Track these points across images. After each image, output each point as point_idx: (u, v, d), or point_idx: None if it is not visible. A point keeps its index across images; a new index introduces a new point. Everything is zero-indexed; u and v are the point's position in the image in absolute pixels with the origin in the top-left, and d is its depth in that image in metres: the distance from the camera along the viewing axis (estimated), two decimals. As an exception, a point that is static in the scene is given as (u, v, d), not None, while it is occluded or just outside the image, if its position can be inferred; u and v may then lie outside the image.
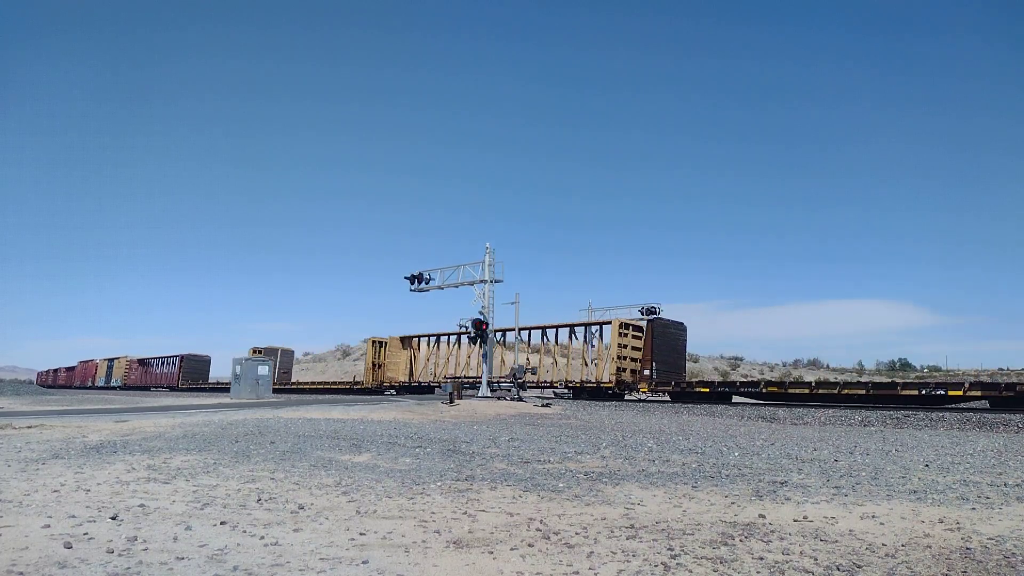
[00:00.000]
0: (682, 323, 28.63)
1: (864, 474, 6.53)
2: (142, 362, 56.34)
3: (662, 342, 26.97)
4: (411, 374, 35.75)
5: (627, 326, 27.38)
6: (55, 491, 4.95)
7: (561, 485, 5.66)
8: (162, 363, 53.94)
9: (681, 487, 5.63)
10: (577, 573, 3.17)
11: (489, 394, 26.03)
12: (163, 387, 52.56)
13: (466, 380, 29.84)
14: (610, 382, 26.19)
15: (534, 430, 11.86)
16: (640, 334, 27.45)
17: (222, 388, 42.33)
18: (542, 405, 21.16)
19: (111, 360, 59.54)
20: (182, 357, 51.01)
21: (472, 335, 26.81)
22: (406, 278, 29.91)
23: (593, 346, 28.27)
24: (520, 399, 23.88)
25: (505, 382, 27.19)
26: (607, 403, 23.86)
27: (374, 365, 36.59)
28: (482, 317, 26.39)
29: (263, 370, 29.55)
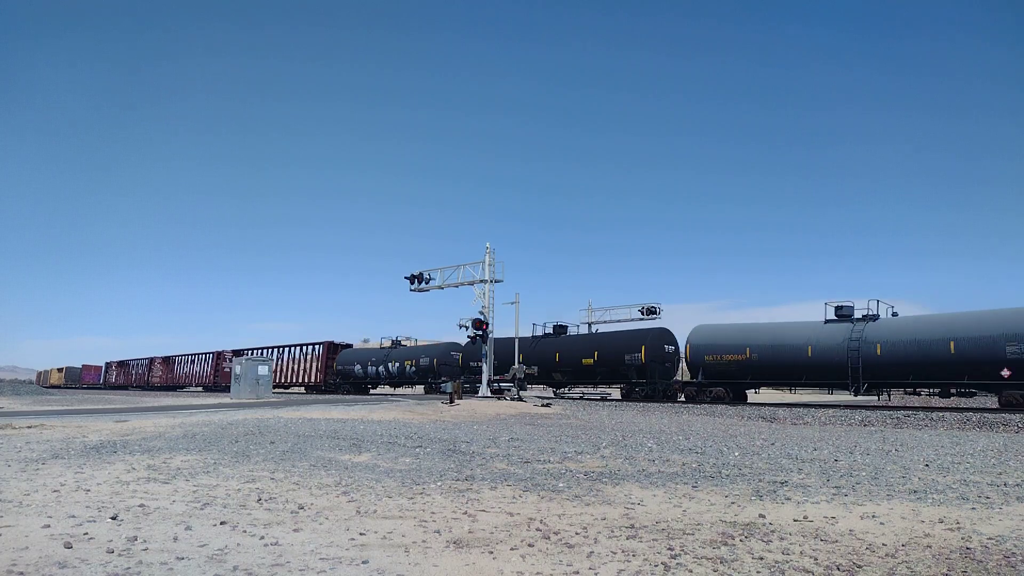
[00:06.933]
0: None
1: (864, 474, 6.53)
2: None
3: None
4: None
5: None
6: (55, 491, 4.95)
7: (561, 485, 5.65)
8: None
9: (681, 487, 5.63)
10: (577, 573, 3.17)
11: (489, 394, 26.02)
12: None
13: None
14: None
15: (534, 430, 11.86)
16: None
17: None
18: (542, 405, 21.17)
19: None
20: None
21: (472, 334, 26.81)
22: (406, 278, 29.88)
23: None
24: (520, 399, 23.87)
25: (505, 382, 27.21)
26: (607, 403, 23.95)
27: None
28: (482, 317, 26.36)
29: (263, 370, 29.54)
